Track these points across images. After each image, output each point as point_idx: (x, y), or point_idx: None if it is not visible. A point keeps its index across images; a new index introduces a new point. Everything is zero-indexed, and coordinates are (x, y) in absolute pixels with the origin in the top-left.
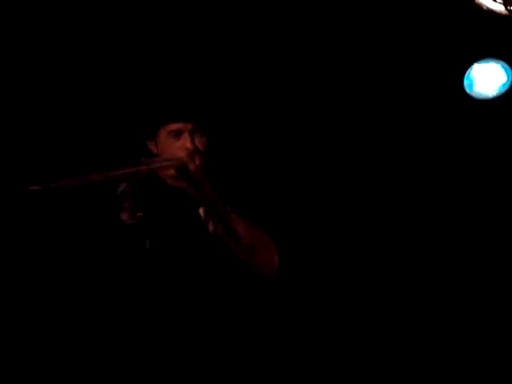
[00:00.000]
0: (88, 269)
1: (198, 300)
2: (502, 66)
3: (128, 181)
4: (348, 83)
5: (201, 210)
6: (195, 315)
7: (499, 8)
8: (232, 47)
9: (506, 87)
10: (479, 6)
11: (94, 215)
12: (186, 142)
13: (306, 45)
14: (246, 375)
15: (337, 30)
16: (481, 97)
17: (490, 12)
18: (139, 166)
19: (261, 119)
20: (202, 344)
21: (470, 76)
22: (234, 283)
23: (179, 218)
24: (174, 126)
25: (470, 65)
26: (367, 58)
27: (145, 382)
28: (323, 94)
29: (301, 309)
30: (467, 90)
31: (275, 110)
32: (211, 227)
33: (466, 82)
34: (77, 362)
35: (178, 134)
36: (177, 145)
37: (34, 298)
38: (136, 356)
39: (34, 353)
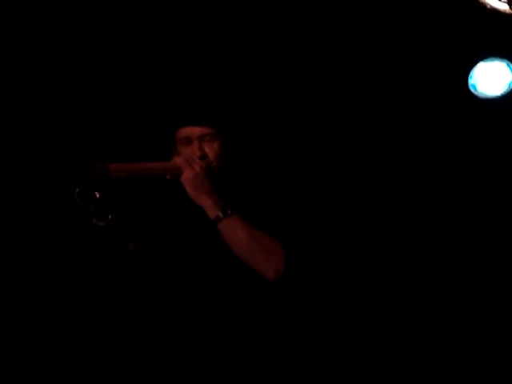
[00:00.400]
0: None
1: (194, 301)
2: (507, 65)
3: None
4: (353, 82)
5: None
6: (192, 317)
7: (503, 7)
8: (234, 54)
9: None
10: (483, 5)
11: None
12: (195, 148)
13: (311, 49)
14: (247, 377)
15: (340, 31)
16: (486, 96)
17: (494, 11)
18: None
19: (268, 124)
20: (202, 347)
21: (475, 75)
22: (232, 284)
23: (171, 220)
24: (183, 133)
25: (474, 64)
26: (372, 58)
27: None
28: (324, 94)
29: (304, 312)
30: (472, 90)
31: (283, 115)
32: None
33: (470, 82)
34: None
35: (188, 141)
36: (187, 151)
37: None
38: (135, 363)
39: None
